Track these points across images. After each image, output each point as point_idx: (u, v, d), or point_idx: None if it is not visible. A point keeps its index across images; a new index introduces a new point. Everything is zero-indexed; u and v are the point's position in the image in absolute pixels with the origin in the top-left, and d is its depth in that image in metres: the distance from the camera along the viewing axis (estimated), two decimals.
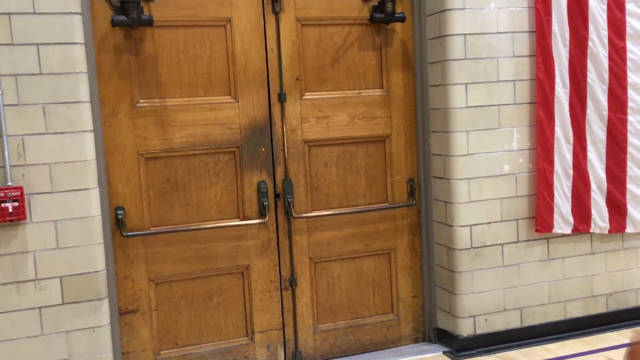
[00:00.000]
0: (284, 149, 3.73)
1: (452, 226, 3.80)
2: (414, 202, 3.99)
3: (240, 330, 3.77)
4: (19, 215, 3.05)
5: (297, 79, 3.73)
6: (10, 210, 3.03)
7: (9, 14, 3.01)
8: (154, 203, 3.53)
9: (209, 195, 3.63)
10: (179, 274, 3.61)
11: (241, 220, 3.68)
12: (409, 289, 4.09)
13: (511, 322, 3.95)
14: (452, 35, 3.66)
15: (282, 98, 3.71)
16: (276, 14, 3.65)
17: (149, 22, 3.33)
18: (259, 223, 3.70)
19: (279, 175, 3.75)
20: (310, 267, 3.86)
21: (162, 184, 3.54)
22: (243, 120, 3.63)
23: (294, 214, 3.75)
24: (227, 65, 3.59)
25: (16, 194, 3.03)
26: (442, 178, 3.83)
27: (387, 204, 3.97)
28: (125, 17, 3.28)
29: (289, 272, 3.82)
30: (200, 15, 3.51)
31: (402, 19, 3.81)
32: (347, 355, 3.93)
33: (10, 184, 3.04)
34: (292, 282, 3.83)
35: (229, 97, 3.61)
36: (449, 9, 3.66)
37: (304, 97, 3.75)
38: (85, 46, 3.17)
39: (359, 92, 3.87)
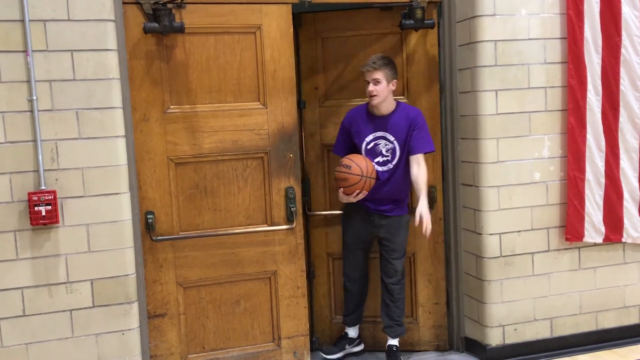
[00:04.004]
0: (303, 153, 3.91)
1: (481, 234, 3.76)
2: (432, 209, 3.95)
3: (267, 336, 3.77)
4: (52, 219, 3.10)
5: (316, 88, 3.91)
6: (44, 213, 3.08)
7: (44, 20, 3.07)
8: (183, 208, 3.56)
9: (237, 200, 3.65)
10: (207, 279, 3.63)
11: (269, 226, 3.69)
12: (429, 295, 4.06)
13: (541, 332, 3.89)
14: (482, 41, 3.64)
15: (302, 105, 3.93)
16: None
17: (181, 29, 3.36)
18: (287, 229, 3.70)
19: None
20: (328, 262, 4.00)
21: (191, 189, 3.57)
22: (271, 126, 3.65)
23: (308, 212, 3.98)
24: (257, 72, 3.61)
25: (49, 197, 3.08)
26: (471, 185, 3.80)
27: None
28: (157, 24, 3.32)
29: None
30: (230, 22, 3.54)
31: (431, 26, 3.79)
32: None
33: (43, 187, 3.09)
34: (311, 274, 3.99)
35: (258, 103, 3.63)
36: (479, 16, 3.63)
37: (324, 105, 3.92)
38: (118, 53, 3.22)
39: None
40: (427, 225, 3.57)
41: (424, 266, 4.04)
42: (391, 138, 3.65)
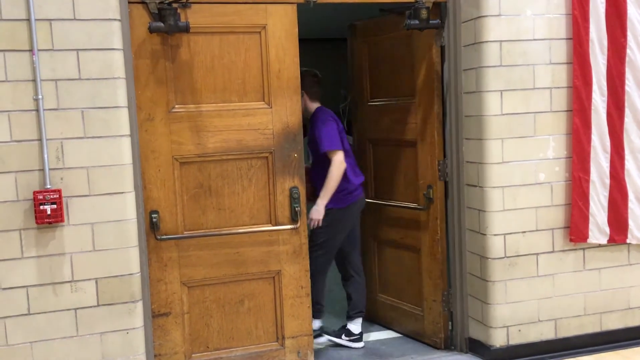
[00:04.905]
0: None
1: (485, 235, 3.76)
2: (425, 207, 4.05)
3: (270, 336, 3.78)
4: (57, 218, 3.10)
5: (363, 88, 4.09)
6: (49, 212, 3.09)
7: (50, 20, 3.08)
8: (187, 207, 3.57)
9: (242, 200, 3.65)
10: (211, 278, 3.63)
11: (273, 225, 3.70)
12: (430, 291, 4.14)
13: (545, 333, 3.89)
14: (487, 42, 3.63)
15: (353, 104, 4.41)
16: None
17: (186, 29, 3.36)
18: (291, 229, 3.71)
19: None
20: (374, 245, 4.27)
21: (196, 188, 3.58)
22: (276, 126, 3.65)
23: None
24: (261, 72, 3.61)
25: (54, 196, 3.09)
26: (476, 186, 3.80)
27: (417, 204, 4.16)
28: (162, 24, 3.32)
29: None
30: (235, 22, 3.54)
31: (437, 26, 3.80)
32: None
33: (49, 186, 3.10)
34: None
35: (263, 103, 3.64)
36: (484, 16, 3.63)
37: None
38: (123, 52, 3.22)
39: (397, 100, 4.14)
40: (311, 223, 3.96)
41: (426, 262, 4.14)
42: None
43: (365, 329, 4.38)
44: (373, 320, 4.65)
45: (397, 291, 4.43)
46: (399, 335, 4.42)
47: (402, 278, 4.38)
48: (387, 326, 4.53)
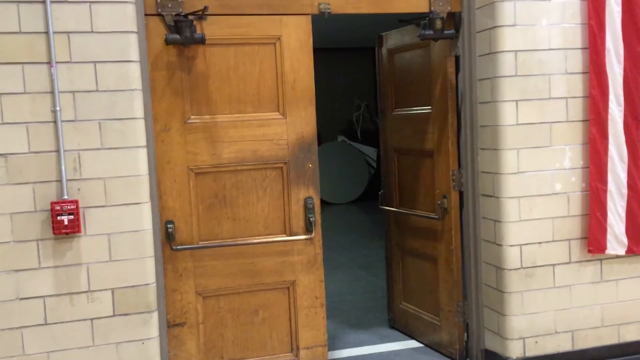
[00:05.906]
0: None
1: (501, 245, 3.73)
2: (440, 217, 4.04)
3: (285, 346, 3.77)
4: (74, 228, 3.13)
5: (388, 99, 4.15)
6: (66, 223, 3.11)
7: (68, 32, 3.11)
8: (202, 217, 3.58)
9: (256, 210, 3.66)
10: (226, 288, 3.64)
11: (288, 235, 3.70)
12: (445, 301, 4.13)
13: (562, 345, 3.85)
14: (502, 51, 3.62)
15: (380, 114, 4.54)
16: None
17: (202, 40, 3.39)
18: (305, 239, 3.71)
19: None
20: (398, 252, 4.22)
21: (211, 198, 3.59)
22: (291, 137, 3.66)
23: None
24: (276, 82, 3.63)
25: (72, 207, 3.12)
26: (492, 196, 3.78)
27: (434, 214, 4.14)
28: (178, 36, 3.35)
29: None
30: (250, 33, 3.56)
31: (451, 36, 3.80)
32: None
33: (66, 197, 3.13)
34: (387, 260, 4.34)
35: (277, 113, 3.65)
36: (499, 26, 3.62)
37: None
38: (140, 64, 3.25)
39: (418, 110, 4.19)
40: None
41: (442, 272, 4.13)
42: None
43: (383, 339, 4.35)
44: (396, 328, 4.68)
45: (418, 300, 4.44)
46: (416, 345, 4.39)
47: (422, 287, 4.38)
48: (409, 335, 4.54)
